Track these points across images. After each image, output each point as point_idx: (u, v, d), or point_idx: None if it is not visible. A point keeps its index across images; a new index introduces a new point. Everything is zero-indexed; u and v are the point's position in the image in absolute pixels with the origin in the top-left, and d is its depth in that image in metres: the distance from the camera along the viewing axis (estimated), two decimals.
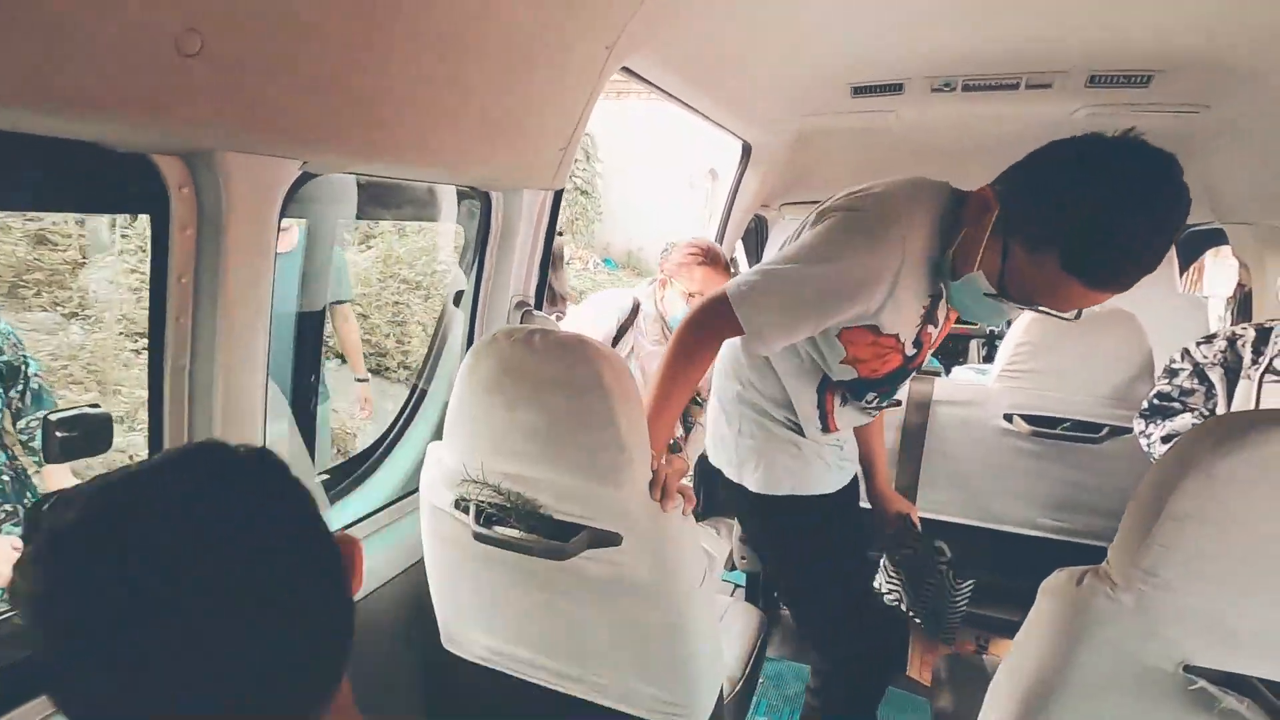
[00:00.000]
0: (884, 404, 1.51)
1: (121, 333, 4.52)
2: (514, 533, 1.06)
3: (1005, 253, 1.10)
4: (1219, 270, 3.20)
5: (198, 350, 0.92)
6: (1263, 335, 1.52)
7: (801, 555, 1.55)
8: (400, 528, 1.41)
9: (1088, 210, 0.98)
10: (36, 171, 0.74)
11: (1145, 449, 1.63)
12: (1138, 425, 1.67)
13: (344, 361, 3.49)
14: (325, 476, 1.41)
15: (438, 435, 1.41)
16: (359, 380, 3.40)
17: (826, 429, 1.45)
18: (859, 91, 2.25)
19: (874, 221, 1.17)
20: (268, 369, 1.01)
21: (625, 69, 1.53)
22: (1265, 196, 2.29)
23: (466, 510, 1.08)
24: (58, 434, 0.98)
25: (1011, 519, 1.98)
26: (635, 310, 2.19)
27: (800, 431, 1.46)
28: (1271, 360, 1.46)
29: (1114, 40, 1.77)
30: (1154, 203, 0.97)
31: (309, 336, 1.31)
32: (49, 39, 0.59)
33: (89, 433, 1.02)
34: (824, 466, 1.51)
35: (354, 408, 3.64)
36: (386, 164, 1.08)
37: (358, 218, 1.25)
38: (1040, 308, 1.13)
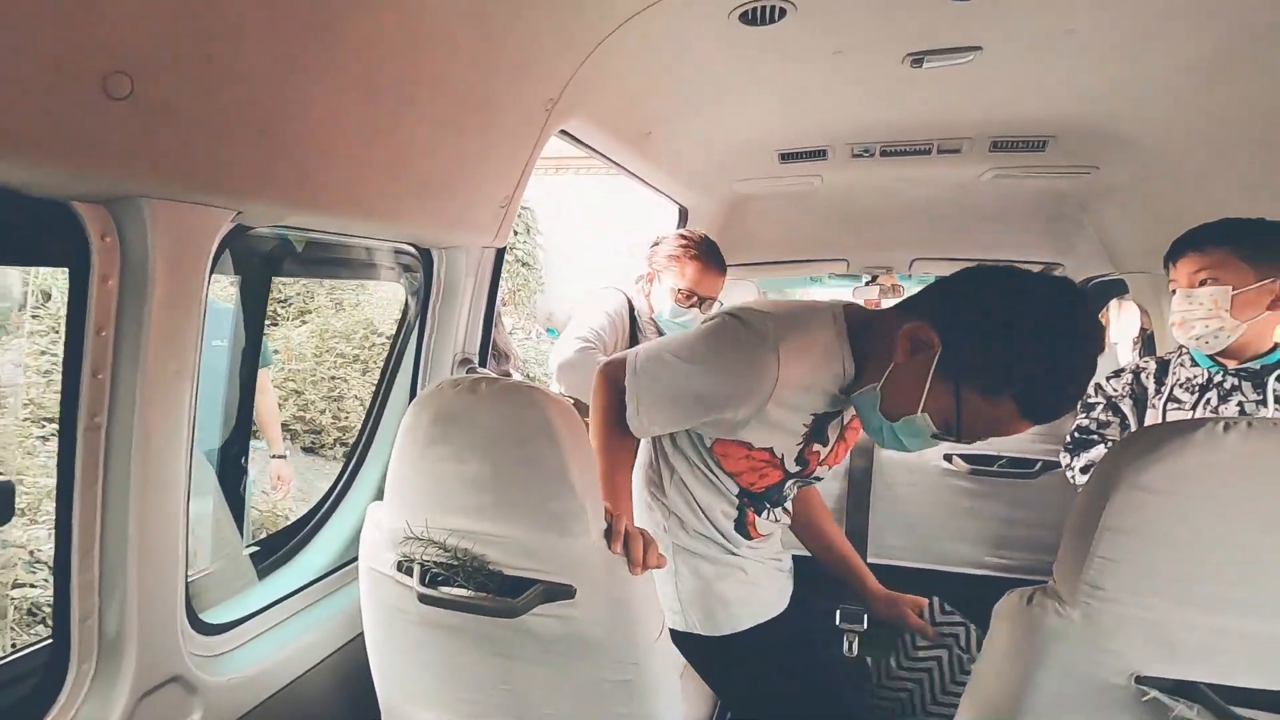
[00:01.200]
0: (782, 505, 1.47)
1: (27, 418, 4.20)
2: (462, 592, 1.00)
3: (959, 397, 1.07)
4: (1123, 317, 3.46)
5: (116, 408, 0.86)
6: (1162, 366, 1.65)
7: (778, 685, 1.43)
8: (337, 600, 1.32)
9: (1044, 360, 1.02)
10: None
11: (1070, 480, 1.71)
12: (1063, 459, 1.75)
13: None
14: (255, 549, 1.32)
15: (378, 497, 1.35)
16: (275, 456, 3.16)
17: (748, 536, 1.41)
18: (786, 158, 2.40)
19: (749, 340, 1.18)
20: (193, 430, 0.95)
21: (564, 132, 1.58)
22: (1156, 248, 2.50)
23: (410, 572, 1.02)
24: None
25: (959, 559, 2.02)
26: (631, 309, 2.03)
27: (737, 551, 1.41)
28: (1172, 389, 1.58)
29: (1011, 111, 1.96)
30: (1090, 343, 1.03)
31: (239, 400, 1.25)
32: None
33: None
34: (777, 582, 1.48)
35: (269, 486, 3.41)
36: (323, 217, 1.07)
37: (294, 275, 1.22)
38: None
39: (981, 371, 1.06)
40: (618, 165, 2.03)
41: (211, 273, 0.93)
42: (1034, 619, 0.79)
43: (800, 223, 2.93)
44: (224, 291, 1.74)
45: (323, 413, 5.92)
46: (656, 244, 1.99)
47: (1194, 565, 0.73)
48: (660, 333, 1.94)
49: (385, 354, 1.78)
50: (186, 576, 1.02)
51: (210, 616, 1.11)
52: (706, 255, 1.93)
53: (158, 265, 0.83)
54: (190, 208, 0.84)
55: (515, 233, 9.64)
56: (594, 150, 1.82)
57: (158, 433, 0.90)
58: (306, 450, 5.86)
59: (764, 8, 1.38)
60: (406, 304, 1.56)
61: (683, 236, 1.94)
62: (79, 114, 0.65)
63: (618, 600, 0.98)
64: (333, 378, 6.10)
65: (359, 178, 1.04)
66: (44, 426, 4.12)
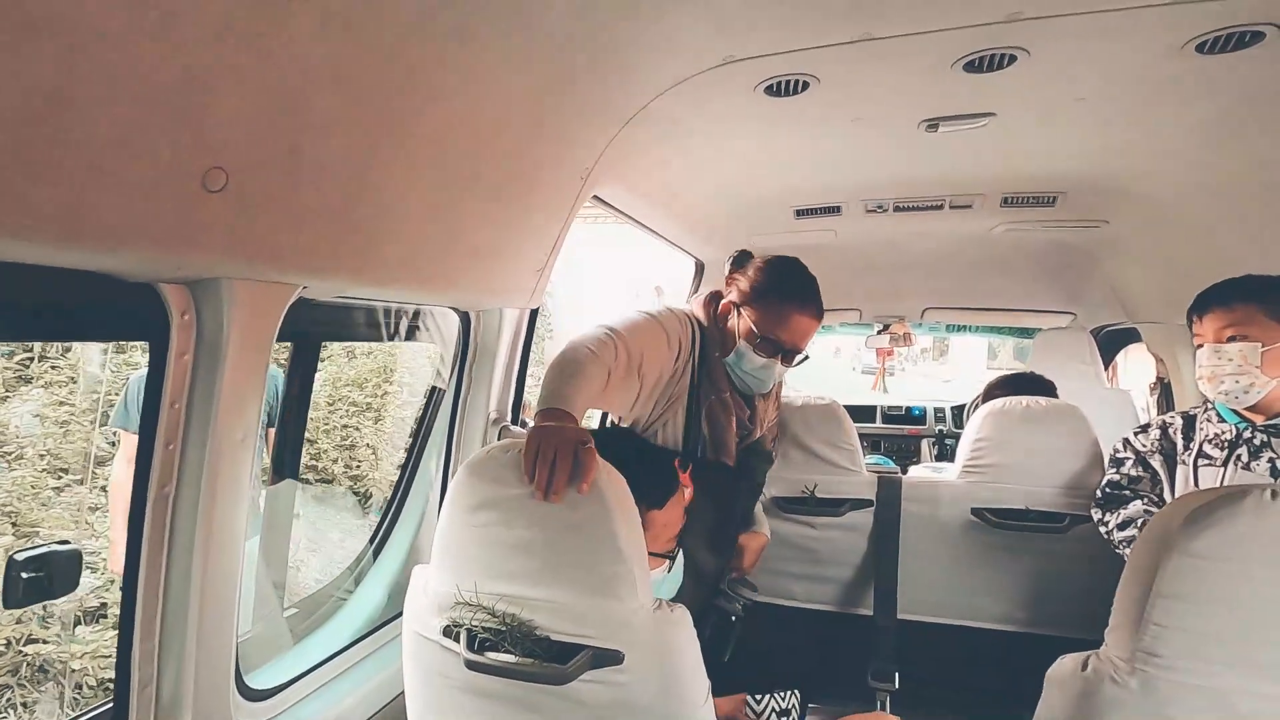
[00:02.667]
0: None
1: (44, 469, 4.22)
2: (510, 658, 1.01)
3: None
4: (1134, 365, 3.48)
5: (184, 477, 0.89)
6: (1189, 421, 1.66)
7: None
8: (376, 663, 1.32)
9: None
10: (37, 301, 0.74)
11: (1106, 536, 1.70)
12: (1095, 514, 1.75)
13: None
14: (293, 611, 1.32)
15: (413, 558, 1.36)
16: None
17: None
18: (801, 213, 2.46)
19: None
20: (251, 496, 0.98)
21: (595, 197, 1.65)
22: (1169, 298, 2.55)
23: (457, 637, 1.03)
24: (23, 575, 0.90)
25: (989, 615, 1.99)
26: (702, 340, 1.55)
27: None
28: (1201, 445, 1.59)
29: (1022, 169, 2.02)
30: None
31: (287, 461, 1.28)
32: (82, 179, 0.62)
33: (56, 573, 0.94)
34: None
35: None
36: (379, 287, 1.11)
37: (341, 339, 1.26)
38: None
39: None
40: (640, 225, 2.10)
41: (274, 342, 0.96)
42: (1089, 686, 0.80)
43: (814, 274, 2.98)
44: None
45: (335, 461, 5.92)
46: (737, 263, 1.58)
47: (1254, 631, 0.74)
48: (730, 383, 1.55)
49: (397, 407, 1.80)
50: (237, 641, 1.03)
51: (254, 680, 1.11)
52: (813, 300, 1.52)
53: (231, 340, 0.87)
54: (264, 285, 0.89)
55: None
56: (620, 212, 1.89)
57: (221, 500, 0.92)
58: (317, 501, 5.84)
59: (789, 81, 1.45)
60: (440, 363, 1.60)
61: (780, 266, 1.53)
62: (179, 207, 0.70)
63: (666, 665, 0.99)
64: (345, 426, 6.12)
65: (416, 250, 1.09)
66: (60, 477, 4.13)
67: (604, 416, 1.72)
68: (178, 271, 0.80)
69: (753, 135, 1.75)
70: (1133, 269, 2.67)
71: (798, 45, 1.31)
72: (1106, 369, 3.36)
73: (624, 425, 1.54)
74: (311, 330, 1.15)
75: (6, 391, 4.56)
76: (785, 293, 1.52)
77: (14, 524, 3.87)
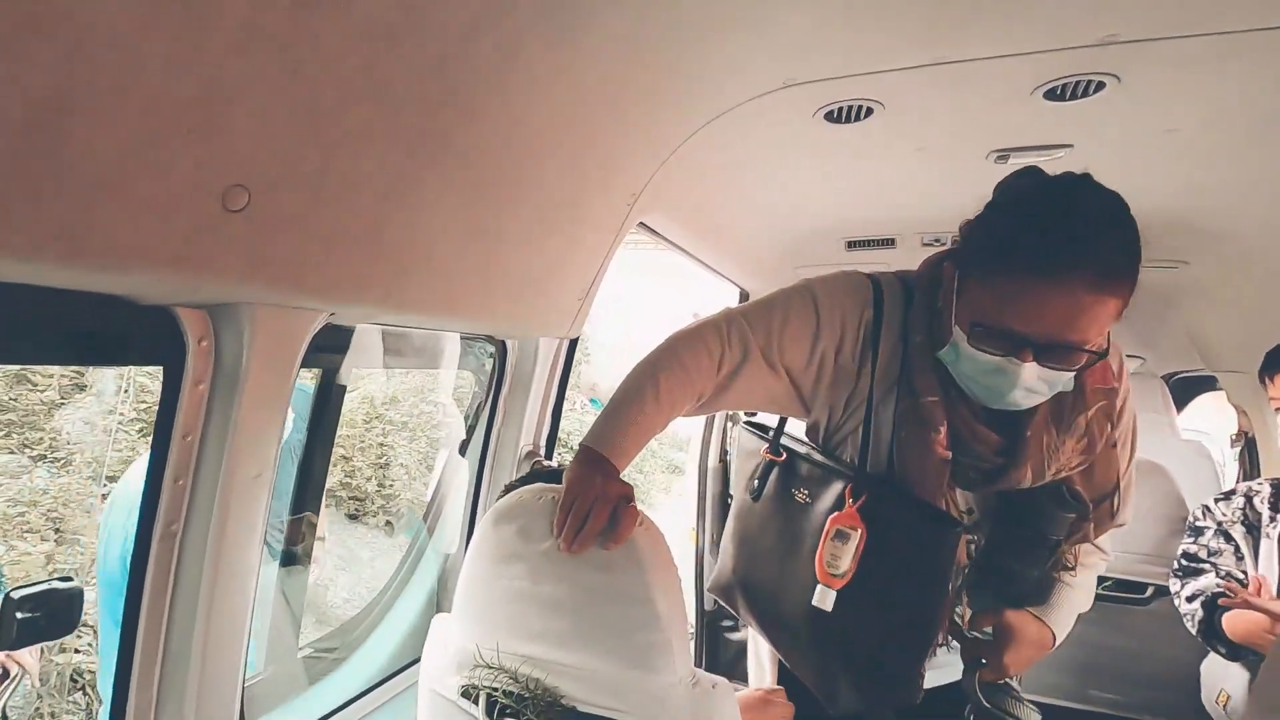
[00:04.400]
0: None
1: (90, 476, 4.31)
2: None
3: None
4: (1210, 414, 3.25)
5: (193, 514, 0.83)
6: (1276, 490, 1.51)
7: None
8: (391, 712, 1.24)
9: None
10: (49, 324, 0.69)
11: (1184, 614, 1.54)
12: (1173, 586, 1.60)
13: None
14: (308, 652, 1.25)
15: (435, 601, 1.28)
16: None
17: None
18: (853, 245, 2.36)
19: None
20: (264, 537, 0.91)
21: (642, 224, 1.58)
22: (1252, 346, 2.36)
23: (476, 700, 0.94)
24: (18, 615, 0.85)
25: (1062, 691, 1.81)
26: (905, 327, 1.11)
27: None
28: None
29: None
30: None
31: (309, 495, 1.22)
32: (89, 194, 0.56)
33: (55, 613, 0.89)
34: None
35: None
36: (412, 314, 1.06)
37: (369, 365, 1.21)
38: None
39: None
40: (684, 252, 2.02)
41: (299, 371, 0.91)
42: None
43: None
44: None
45: (369, 479, 5.94)
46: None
47: None
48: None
49: (433, 426, 1.74)
50: (244, 686, 0.96)
51: None
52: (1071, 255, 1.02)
53: (251, 367, 0.81)
54: (288, 311, 0.83)
55: None
56: (666, 240, 1.82)
57: (232, 538, 0.86)
58: (349, 518, 5.85)
59: (851, 107, 1.37)
60: (473, 390, 1.54)
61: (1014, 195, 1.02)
62: (196, 226, 0.64)
63: None
64: (380, 444, 6.15)
65: (452, 277, 1.03)
66: (105, 485, 4.21)
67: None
68: (195, 295, 0.75)
69: (808, 163, 1.67)
70: (1213, 313, 2.48)
71: (863, 69, 1.23)
72: (1183, 417, 3.14)
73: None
74: (337, 357, 1.09)
75: (62, 398, 4.70)
76: (1015, 247, 0.90)
77: (57, 531, 3.94)
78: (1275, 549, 1.45)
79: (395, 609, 1.41)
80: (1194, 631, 1.47)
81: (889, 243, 2.33)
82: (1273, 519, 1.49)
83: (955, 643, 1.19)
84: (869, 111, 1.38)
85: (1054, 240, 0.88)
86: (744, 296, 2.85)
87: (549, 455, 1.54)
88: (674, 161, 1.39)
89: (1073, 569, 1.17)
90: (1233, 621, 1.40)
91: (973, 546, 1.16)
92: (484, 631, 0.96)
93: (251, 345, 0.80)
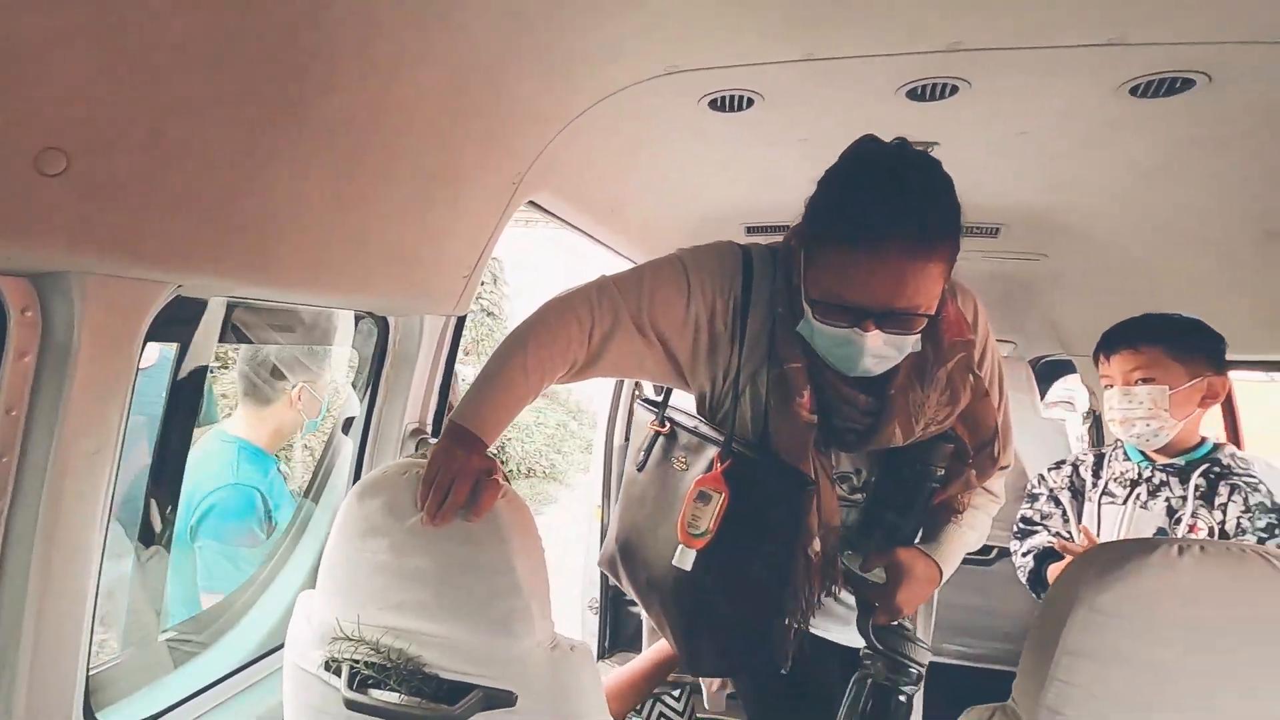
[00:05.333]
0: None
1: None
2: (394, 697, 0.93)
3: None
4: (1073, 394, 3.57)
5: (20, 493, 0.79)
6: (1099, 460, 1.70)
7: None
8: (261, 693, 1.22)
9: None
10: None
11: (1017, 568, 1.72)
12: (1012, 546, 1.77)
13: None
14: (171, 634, 1.21)
15: (312, 580, 1.26)
16: None
17: None
18: (752, 230, 2.44)
19: None
20: (109, 513, 0.88)
21: (532, 203, 1.58)
22: (1099, 332, 2.61)
23: (338, 672, 0.95)
24: None
25: None
26: None
27: None
28: (1107, 483, 1.63)
29: (964, 199, 2.03)
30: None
31: (168, 469, 1.17)
32: None
33: None
34: None
35: None
36: (276, 288, 1.03)
37: (237, 341, 1.17)
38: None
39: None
40: (585, 234, 2.04)
41: (145, 345, 0.87)
42: None
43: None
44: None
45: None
46: None
47: (1151, 692, 0.71)
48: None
49: (334, 411, 1.70)
50: (88, 672, 0.93)
51: (109, 716, 1.00)
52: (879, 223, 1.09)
53: (84, 341, 0.78)
54: (126, 282, 0.80)
55: (481, 282, 9.58)
56: (562, 220, 1.83)
57: (68, 518, 0.82)
58: None
59: (733, 96, 1.41)
60: (360, 366, 1.51)
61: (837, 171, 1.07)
62: (6, 189, 0.61)
63: (563, 708, 0.93)
64: None
65: (319, 250, 1.01)
66: None
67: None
68: (12, 263, 0.71)
69: (700, 149, 1.71)
70: (1070, 303, 2.72)
71: (741, 61, 1.27)
72: (1046, 397, 3.44)
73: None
74: (199, 332, 1.05)
75: None
76: (833, 218, 0.97)
77: None
78: (1095, 511, 1.63)
79: (273, 588, 1.38)
80: (1024, 581, 1.64)
81: (786, 229, 2.43)
82: (1094, 484, 1.67)
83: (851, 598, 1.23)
84: (750, 102, 1.43)
85: (869, 211, 0.92)
86: None
87: (436, 433, 1.54)
88: (561, 142, 1.40)
89: (961, 513, 1.22)
90: (1055, 572, 1.57)
91: (855, 508, 1.20)
92: (347, 605, 0.96)
93: (85, 316, 0.77)
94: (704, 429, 1.16)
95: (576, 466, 9.14)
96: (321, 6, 0.78)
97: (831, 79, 1.33)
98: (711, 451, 1.13)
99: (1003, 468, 1.21)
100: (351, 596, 0.96)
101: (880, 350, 0.98)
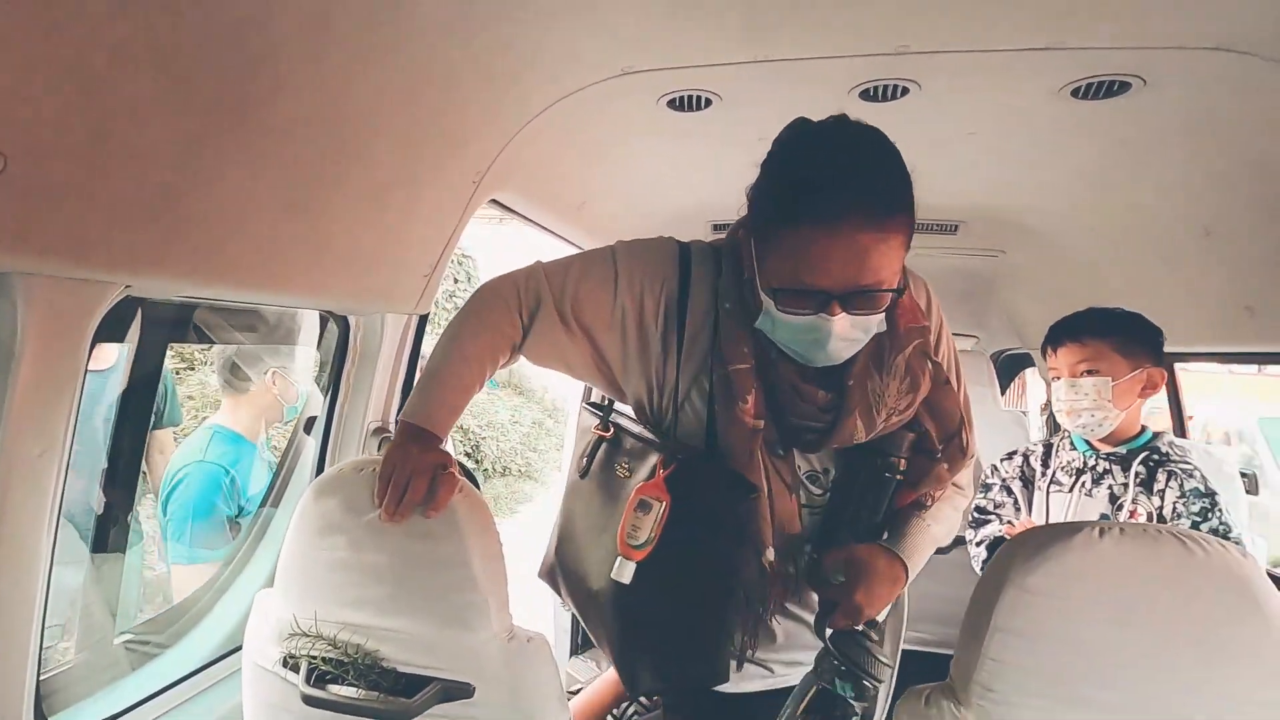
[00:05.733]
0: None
1: None
2: (352, 691, 0.94)
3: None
4: (1032, 388, 3.66)
5: None
6: (1047, 450, 1.77)
7: None
8: (221, 693, 1.21)
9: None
10: None
11: (971, 557, 1.77)
12: (967, 534, 1.82)
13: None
14: (128, 636, 1.20)
15: (272, 581, 1.26)
16: None
17: None
18: (719, 228, 2.47)
19: None
20: (58, 515, 0.87)
21: (495, 201, 1.59)
22: None
23: (296, 669, 0.95)
24: None
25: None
26: None
27: None
28: (1055, 472, 1.69)
29: (923, 197, 2.08)
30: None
31: (121, 470, 1.16)
32: None
33: None
34: None
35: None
36: (229, 288, 1.03)
37: (195, 341, 1.16)
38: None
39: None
40: (548, 231, 2.05)
41: (93, 346, 0.87)
42: (932, 719, 0.80)
43: None
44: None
45: None
46: None
47: (1084, 668, 0.75)
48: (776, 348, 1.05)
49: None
50: (38, 676, 0.92)
51: (65, 718, 1.00)
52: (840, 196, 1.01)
53: (27, 342, 0.77)
54: (71, 283, 0.79)
55: (455, 280, 9.51)
56: (524, 218, 1.84)
57: (13, 521, 0.82)
58: None
59: (691, 96, 1.44)
60: (321, 366, 1.51)
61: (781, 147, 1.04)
62: None
63: (521, 699, 0.94)
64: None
65: (272, 250, 1.01)
66: None
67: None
68: None
69: (662, 147, 1.73)
70: (1027, 298, 2.80)
71: (696, 62, 1.30)
72: (1008, 391, 3.52)
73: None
74: (151, 332, 1.05)
75: None
76: (784, 200, 0.91)
77: None
78: (1044, 499, 1.69)
79: (233, 588, 1.38)
80: (978, 570, 1.69)
81: None
82: (1043, 474, 1.73)
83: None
84: (708, 102, 1.45)
85: (822, 187, 0.86)
86: None
87: None
88: (521, 141, 1.41)
89: (928, 507, 1.13)
90: None
91: (813, 511, 1.11)
92: (305, 601, 0.97)
93: (28, 317, 0.76)
94: (648, 434, 1.10)
95: (552, 465, 9.13)
96: (267, 9, 0.79)
97: (787, 80, 1.35)
98: (654, 457, 1.06)
99: (970, 458, 1.15)
100: (309, 593, 0.97)
101: (848, 333, 0.93)
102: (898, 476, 1.07)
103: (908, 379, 1.02)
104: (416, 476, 0.91)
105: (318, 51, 0.89)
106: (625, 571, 1.01)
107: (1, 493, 0.79)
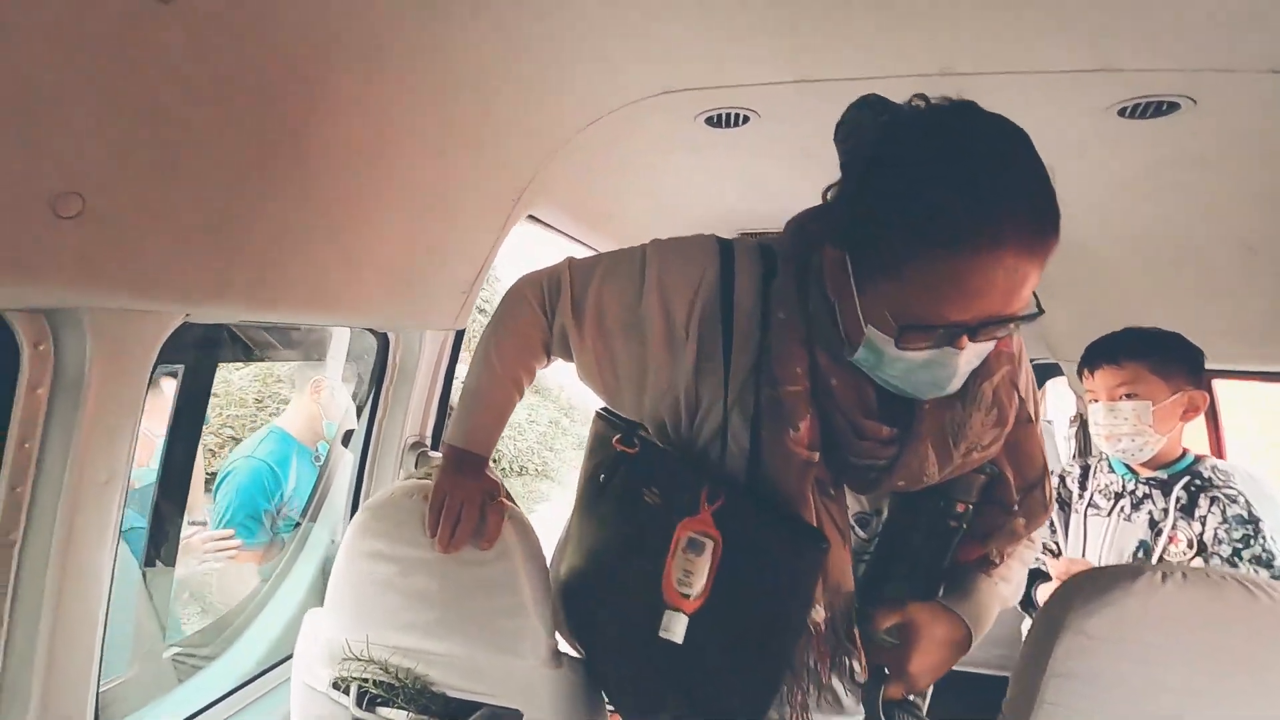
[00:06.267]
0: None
1: None
2: (401, 715, 0.95)
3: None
4: (1059, 398, 3.62)
5: (33, 523, 0.80)
6: (1085, 472, 1.73)
7: None
8: (262, 709, 1.23)
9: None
10: None
11: None
12: None
13: None
14: (176, 649, 1.22)
15: (315, 594, 1.28)
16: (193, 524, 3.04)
17: None
18: (752, 237, 2.46)
19: None
20: (118, 537, 0.89)
21: (531, 216, 1.60)
22: (1085, 336, 2.66)
23: (346, 691, 0.96)
24: None
25: None
26: None
27: None
28: (1092, 495, 1.66)
29: None
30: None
31: (173, 491, 1.18)
32: None
33: None
34: None
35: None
36: (280, 311, 1.04)
37: (242, 360, 1.18)
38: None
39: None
40: (580, 243, 2.05)
41: (153, 374, 0.88)
42: None
43: None
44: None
45: None
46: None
47: (1135, 712, 0.74)
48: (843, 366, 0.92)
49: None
50: (99, 691, 0.94)
51: None
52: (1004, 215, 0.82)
53: (95, 373, 0.79)
54: (136, 314, 0.81)
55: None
56: (558, 231, 1.84)
57: (80, 544, 0.83)
58: None
59: (729, 114, 1.43)
60: (359, 381, 1.52)
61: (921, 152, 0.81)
62: (24, 234, 0.62)
63: None
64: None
65: (321, 272, 1.02)
66: None
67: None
68: (26, 301, 0.72)
69: (696, 162, 1.73)
70: (1057, 308, 2.76)
71: (735, 81, 1.29)
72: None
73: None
74: (204, 353, 1.07)
75: None
76: (936, 221, 0.69)
77: None
78: (1081, 522, 1.67)
79: (274, 603, 1.40)
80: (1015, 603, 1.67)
81: None
82: (1080, 496, 1.70)
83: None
84: (746, 119, 1.45)
85: (983, 205, 0.68)
86: None
87: (435, 445, 1.55)
88: (560, 159, 1.42)
89: (998, 564, 0.97)
90: (1043, 592, 1.61)
91: (858, 559, 0.96)
92: (356, 625, 0.98)
93: (96, 349, 0.78)
94: (686, 456, 0.93)
95: (569, 464, 9.16)
96: (326, 42, 0.80)
97: (828, 98, 1.34)
98: (691, 486, 0.88)
99: (1050, 512, 0.99)
100: (360, 617, 0.98)
101: (971, 363, 0.78)
102: (964, 525, 0.92)
103: (994, 411, 0.86)
104: (468, 505, 0.92)
105: (367, 79, 0.90)
106: (676, 627, 0.85)
107: (70, 519, 0.81)
